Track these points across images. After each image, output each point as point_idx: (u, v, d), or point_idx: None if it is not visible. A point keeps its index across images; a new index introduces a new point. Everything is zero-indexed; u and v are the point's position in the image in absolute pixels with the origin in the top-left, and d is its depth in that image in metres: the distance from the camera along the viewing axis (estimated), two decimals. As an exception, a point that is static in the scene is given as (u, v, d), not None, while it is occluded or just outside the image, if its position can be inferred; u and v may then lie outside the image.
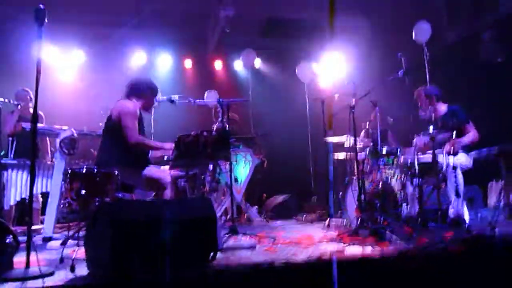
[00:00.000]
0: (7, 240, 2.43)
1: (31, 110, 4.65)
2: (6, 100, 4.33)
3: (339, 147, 4.81)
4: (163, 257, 2.23)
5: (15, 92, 4.75)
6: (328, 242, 3.20)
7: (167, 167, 3.55)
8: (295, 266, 2.45)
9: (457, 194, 3.62)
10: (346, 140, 4.32)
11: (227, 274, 2.36)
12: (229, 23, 6.40)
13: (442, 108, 4.27)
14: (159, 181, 3.26)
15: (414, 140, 4.14)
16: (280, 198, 5.79)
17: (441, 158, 3.77)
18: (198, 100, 4.01)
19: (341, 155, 4.83)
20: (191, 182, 3.40)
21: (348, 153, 4.68)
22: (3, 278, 2.19)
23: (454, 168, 3.68)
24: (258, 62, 7.50)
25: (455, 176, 3.66)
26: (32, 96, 4.67)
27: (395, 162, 4.15)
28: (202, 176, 3.56)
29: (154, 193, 3.42)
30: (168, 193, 3.17)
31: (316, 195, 6.01)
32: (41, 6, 2.67)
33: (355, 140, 3.79)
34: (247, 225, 4.87)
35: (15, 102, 4.52)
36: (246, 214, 5.37)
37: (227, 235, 3.30)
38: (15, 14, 5.42)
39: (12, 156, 4.06)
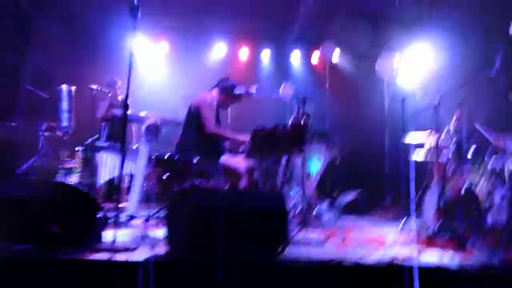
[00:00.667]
0: (98, 216, 2.69)
1: (119, 98, 5.05)
2: (99, 88, 4.74)
3: (419, 147, 4.56)
4: (234, 245, 2.32)
5: (106, 80, 5.11)
6: (402, 246, 3.07)
7: (241, 157, 3.65)
8: (365, 268, 2.39)
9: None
10: (427, 140, 4.07)
11: (295, 268, 2.39)
12: (310, 15, 6.32)
13: None
14: (235, 170, 3.37)
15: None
16: (352, 195, 5.66)
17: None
18: (273, 93, 4.04)
19: (420, 156, 4.57)
20: (264, 175, 3.46)
21: (429, 154, 4.42)
22: (93, 249, 2.44)
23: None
24: (337, 55, 7.33)
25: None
26: (120, 84, 5.08)
27: (482, 167, 3.82)
28: (275, 169, 3.60)
29: (229, 182, 3.54)
30: (242, 183, 3.27)
31: (389, 196, 5.77)
32: (135, 2, 2.89)
33: (437, 141, 3.56)
34: (317, 221, 4.84)
35: (106, 90, 4.88)
36: (316, 209, 5.34)
37: (297, 229, 3.32)
38: (110, 6, 5.88)
39: (104, 139, 4.45)
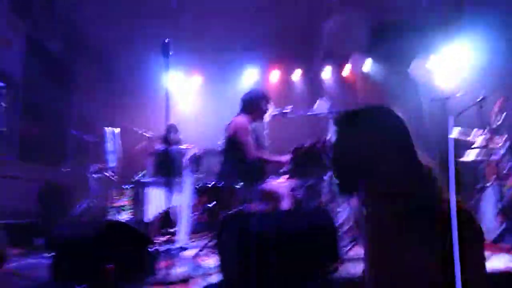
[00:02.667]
0: (150, 250, 2.76)
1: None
2: (150, 136, 4.90)
3: (468, 147, 4.35)
4: (285, 267, 2.29)
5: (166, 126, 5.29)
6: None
7: (282, 179, 3.64)
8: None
9: None
10: (476, 138, 3.87)
11: (350, 285, 2.31)
12: (335, 31, 6.33)
13: None
14: (274, 194, 3.35)
15: None
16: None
17: None
18: (309, 111, 4.03)
19: (471, 156, 4.35)
20: (308, 193, 3.41)
21: (480, 154, 4.19)
22: (147, 283, 2.49)
23: None
24: (368, 66, 7.25)
25: None
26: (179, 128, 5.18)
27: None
28: (319, 187, 3.55)
29: (270, 205, 3.51)
30: (284, 205, 3.23)
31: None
32: (167, 40, 3.02)
33: (487, 139, 3.39)
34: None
35: (147, 134, 5.00)
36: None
37: (348, 247, 3.23)
38: (142, 47, 6.18)
39: (149, 175, 4.60)
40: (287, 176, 3.49)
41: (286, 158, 3.40)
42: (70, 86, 6.30)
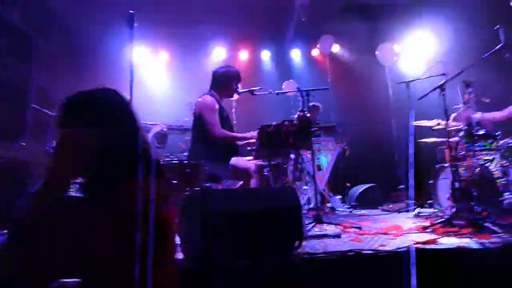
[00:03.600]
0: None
1: None
2: None
3: (428, 132, 4.52)
4: (249, 245, 2.31)
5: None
6: (419, 233, 3.03)
7: (250, 157, 3.64)
8: (383, 256, 2.36)
9: None
10: (435, 123, 4.04)
11: (313, 262, 2.36)
12: (305, 12, 6.32)
13: None
14: (245, 170, 3.36)
15: None
16: (364, 186, 5.62)
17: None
18: (277, 90, 4.05)
19: (430, 140, 4.53)
20: (274, 172, 3.44)
21: (439, 138, 4.38)
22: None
23: None
24: (336, 48, 7.31)
25: None
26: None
27: (494, 145, 3.77)
28: (285, 166, 3.58)
29: (240, 183, 3.53)
30: (253, 182, 3.25)
31: (403, 184, 5.72)
32: (131, 11, 2.90)
33: (446, 123, 3.52)
34: (330, 214, 4.82)
35: None
36: (329, 203, 5.31)
37: (311, 224, 3.30)
38: (106, 20, 5.93)
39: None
40: (254, 154, 3.49)
41: (251, 134, 3.41)
42: (30, 59, 5.98)
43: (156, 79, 7.21)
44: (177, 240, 2.48)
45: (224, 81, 3.67)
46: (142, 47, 6.99)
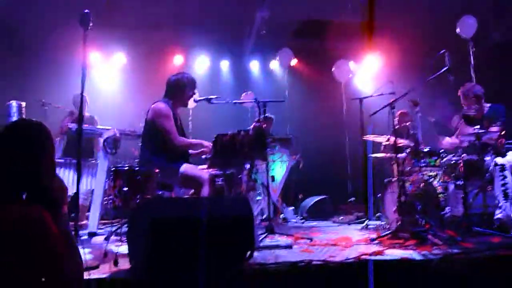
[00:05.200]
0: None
1: (87, 114, 4.88)
2: (59, 106, 4.57)
3: (379, 147, 4.71)
4: (200, 255, 2.27)
5: (72, 97, 4.95)
6: (367, 244, 3.13)
7: (204, 166, 3.60)
8: (333, 266, 2.41)
9: (506, 196, 3.43)
10: (385, 140, 4.22)
11: (264, 273, 2.36)
12: (266, 25, 6.42)
13: (486, 106, 4.09)
14: (196, 179, 3.31)
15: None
16: (317, 198, 5.73)
17: (488, 158, 3.60)
18: (235, 100, 4.05)
19: (380, 155, 4.72)
20: (228, 181, 3.42)
21: (388, 154, 4.57)
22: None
23: (503, 168, 3.48)
24: (294, 62, 7.47)
25: (504, 177, 3.46)
26: (88, 100, 4.91)
27: (437, 162, 4.00)
28: (239, 176, 3.58)
29: (192, 191, 3.47)
30: (205, 191, 3.21)
31: (353, 196, 5.90)
32: (86, 10, 2.81)
33: (395, 140, 3.69)
34: (283, 225, 4.86)
35: (67, 109, 4.71)
36: (282, 214, 5.36)
37: (263, 235, 3.31)
38: (64, 21, 5.69)
39: (59, 155, 4.26)
40: (208, 163, 3.45)
41: (208, 143, 3.37)
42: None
43: (109, 82, 6.99)
44: (125, 249, 2.40)
45: (178, 89, 3.58)
46: (96, 49, 6.76)
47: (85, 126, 4.29)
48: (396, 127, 4.17)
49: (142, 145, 3.56)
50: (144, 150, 3.50)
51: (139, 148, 3.66)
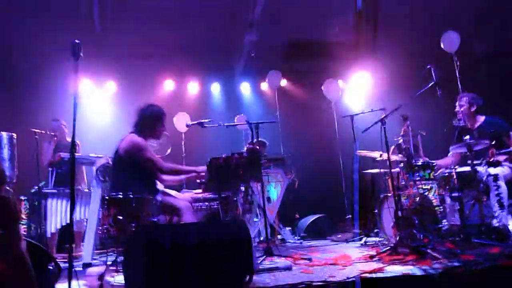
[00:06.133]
0: (50, 267, 2.49)
1: (68, 139, 4.86)
2: (43, 131, 4.54)
3: (372, 163, 4.72)
4: (199, 280, 2.23)
5: (50, 123, 4.92)
6: (366, 262, 3.10)
7: (199, 190, 3.58)
8: (334, 287, 2.38)
9: (501, 206, 3.44)
10: (378, 155, 4.24)
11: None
12: (254, 47, 6.51)
13: (480, 119, 4.14)
14: (173, 207, 3.27)
15: (450, 151, 4.02)
16: (313, 218, 5.70)
17: (481, 169, 3.63)
18: (227, 123, 4.06)
19: (374, 171, 4.73)
20: (224, 205, 3.40)
21: (382, 169, 4.59)
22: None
23: (496, 178, 3.51)
24: (284, 83, 7.54)
25: (498, 187, 3.49)
26: (65, 123, 4.90)
27: (431, 175, 4.01)
28: (235, 198, 3.55)
29: (169, 219, 3.39)
30: (186, 218, 3.15)
31: (350, 213, 5.87)
32: (77, 41, 2.83)
33: (388, 155, 3.70)
34: (281, 246, 4.81)
35: (51, 133, 4.69)
36: (279, 235, 5.31)
37: (262, 257, 3.27)
38: (53, 53, 5.72)
39: (52, 185, 4.21)
40: (203, 188, 3.44)
41: (202, 168, 3.35)
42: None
43: (101, 110, 6.99)
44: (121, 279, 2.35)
45: (147, 123, 3.47)
46: (87, 78, 6.80)
47: (77, 154, 4.29)
48: (400, 142, 4.23)
49: (115, 176, 3.47)
50: (117, 180, 3.39)
51: (113, 178, 3.54)
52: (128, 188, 3.22)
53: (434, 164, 4.08)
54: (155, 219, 3.16)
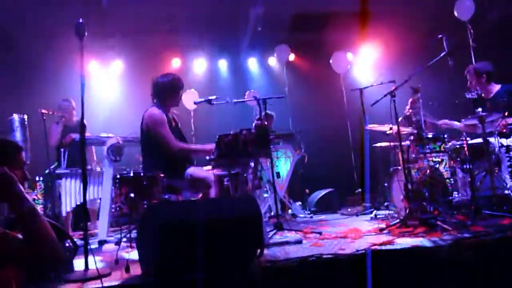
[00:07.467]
0: (66, 245, 2.56)
1: (75, 119, 4.89)
2: (51, 112, 4.57)
3: (382, 136, 4.68)
4: (211, 256, 2.28)
5: (58, 104, 4.93)
6: (376, 235, 3.12)
7: (209, 167, 3.60)
8: (344, 259, 2.41)
9: (513, 177, 3.42)
10: (388, 128, 4.20)
11: (276, 269, 2.37)
12: (260, 21, 6.40)
13: (495, 88, 4.03)
14: (203, 180, 3.31)
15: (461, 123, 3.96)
16: (323, 192, 5.73)
17: (493, 140, 3.58)
18: (235, 99, 4.04)
19: (384, 144, 4.70)
20: (234, 181, 3.42)
21: (392, 142, 4.55)
22: (64, 280, 2.32)
23: (508, 149, 3.46)
24: (292, 57, 7.44)
25: (510, 158, 3.44)
26: (75, 105, 4.92)
27: (442, 148, 3.97)
28: (244, 175, 3.57)
29: (200, 193, 3.47)
30: (213, 192, 3.21)
31: (360, 187, 5.88)
32: (81, 20, 2.81)
33: (398, 128, 3.66)
34: (291, 221, 4.86)
35: (59, 114, 4.71)
36: (290, 210, 5.36)
37: (272, 232, 3.31)
38: (59, 32, 5.69)
39: (64, 166, 4.28)
40: (212, 164, 3.45)
41: (210, 146, 3.35)
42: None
43: (109, 90, 7.00)
44: (136, 255, 2.41)
45: (166, 91, 3.55)
46: (94, 58, 6.79)
47: (88, 135, 4.33)
48: (408, 114, 4.17)
49: (143, 152, 3.54)
50: (148, 158, 3.49)
51: (142, 155, 3.66)
52: (158, 164, 3.28)
53: (445, 136, 4.03)
54: (166, 196, 3.20)
